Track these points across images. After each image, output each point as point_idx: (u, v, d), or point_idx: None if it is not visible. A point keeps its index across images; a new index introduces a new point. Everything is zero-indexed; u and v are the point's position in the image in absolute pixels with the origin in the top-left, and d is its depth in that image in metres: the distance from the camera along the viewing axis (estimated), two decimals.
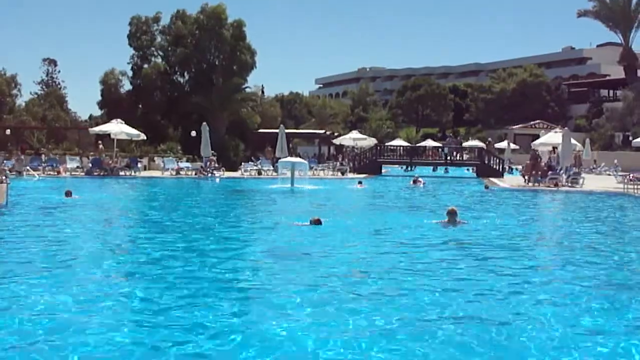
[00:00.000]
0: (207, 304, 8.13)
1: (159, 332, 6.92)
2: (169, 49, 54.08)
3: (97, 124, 47.93)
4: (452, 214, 15.90)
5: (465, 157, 50.21)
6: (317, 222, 15.31)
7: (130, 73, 54.63)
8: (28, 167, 36.56)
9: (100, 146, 40.52)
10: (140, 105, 53.92)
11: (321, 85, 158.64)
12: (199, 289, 8.96)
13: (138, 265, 10.79)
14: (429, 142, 66.21)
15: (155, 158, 45.04)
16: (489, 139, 61.05)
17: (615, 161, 49.79)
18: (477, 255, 11.86)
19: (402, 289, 8.94)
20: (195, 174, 39.27)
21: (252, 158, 46.81)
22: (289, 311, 7.74)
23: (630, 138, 53.49)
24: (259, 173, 41.19)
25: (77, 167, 39.27)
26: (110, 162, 38.55)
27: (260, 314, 7.68)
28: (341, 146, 58.28)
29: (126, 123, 40.62)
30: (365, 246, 12.97)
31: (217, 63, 53.00)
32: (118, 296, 8.49)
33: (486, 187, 33.04)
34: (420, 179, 35.27)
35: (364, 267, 10.60)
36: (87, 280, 9.32)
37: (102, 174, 37.20)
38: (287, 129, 48.46)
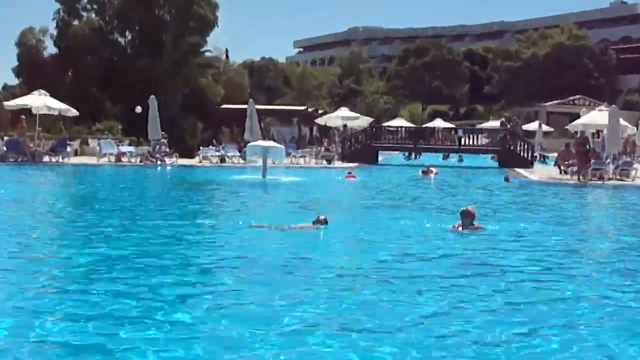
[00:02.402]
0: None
1: None
2: (105, 1, 53.84)
3: (13, 96, 47.61)
4: (467, 215, 15.77)
5: (483, 141, 50.35)
6: (323, 222, 15.43)
7: (55, 32, 54.41)
8: None
9: (22, 123, 40.16)
10: (69, 73, 53.66)
11: (301, 49, 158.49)
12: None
13: (50, 285, 10.28)
14: (439, 123, 66.33)
15: (90, 140, 44.85)
16: (515, 118, 61.24)
17: None
18: (494, 271, 11.71)
19: (399, 319, 8.74)
20: (141, 161, 39.17)
21: (214, 141, 46.74)
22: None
23: None
24: (222, 160, 41.18)
25: None
26: (31, 144, 38.34)
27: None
28: (327, 127, 58.27)
29: (51, 95, 40.37)
30: (354, 258, 12.88)
31: (167, 18, 52.80)
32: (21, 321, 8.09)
33: (506, 180, 33.07)
34: (432, 169, 35.52)
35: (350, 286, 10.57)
36: None
37: (20, 159, 37.00)
38: (257, 104, 48.35)
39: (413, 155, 54.64)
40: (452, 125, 64.59)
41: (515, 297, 9.94)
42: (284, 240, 14.44)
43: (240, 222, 16.40)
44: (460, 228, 15.63)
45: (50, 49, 55.49)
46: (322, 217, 15.61)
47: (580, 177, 32.82)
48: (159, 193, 26.95)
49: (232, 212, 20.00)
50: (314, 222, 15.47)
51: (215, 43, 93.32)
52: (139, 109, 45.07)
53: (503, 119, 57.85)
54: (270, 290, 9.93)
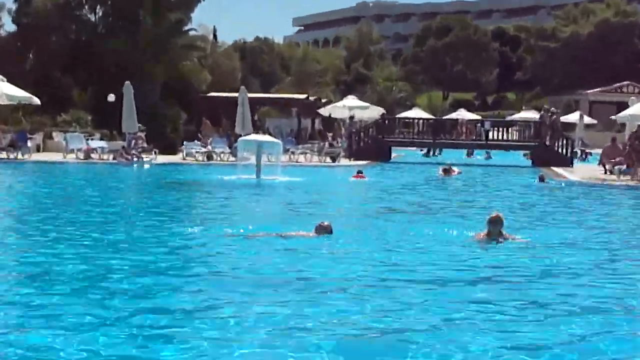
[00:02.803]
0: None
1: None
2: None
3: None
4: (495, 223, 15.64)
5: (515, 136, 50.28)
6: (327, 230, 15.44)
7: (13, 7, 54.44)
8: None
9: None
10: (30, 55, 53.65)
11: (302, 28, 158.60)
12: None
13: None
14: (462, 114, 66.27)
15: (55, 134, 44.83)
16: (553, 108, 61.05)
17: None
18: (529, 292, 11.48)
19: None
20: (114, 158, 39.21)
21: (199, 135, 46.75)
22: None
23: None
24: (209, 157, 41.21)
25: None
26: None
27: None
28: (331, 118, 58.25)
29: (9, 81, 40.39)
30: (362, 272, 12.82)
31: None
32: None
33: (542, 180, 33.04)
34: (453, 168, 35.55)
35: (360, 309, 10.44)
36: None
37: None
38: (250, 91, 48.38)
39: (432, 152, 54.58)
40: (478, 117, 64.56)
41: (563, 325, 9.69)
42: (280, 251, 14.39)
43: (229, 230, 16.38)
44: (486, 237, 15.60)
45: (7, 26, 55.56)
46: (325, 224, 15.58)
47: (620, 175, 33.07)
48: (134, 196, 26.94)
49: (219, 218, 19.98)
50: (316, 230, 15.47)
51: (201, 20, 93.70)
52: (111, 97, 45.02)
53: (542, 112, 57.64)
54: (264, 309, 9.92)
